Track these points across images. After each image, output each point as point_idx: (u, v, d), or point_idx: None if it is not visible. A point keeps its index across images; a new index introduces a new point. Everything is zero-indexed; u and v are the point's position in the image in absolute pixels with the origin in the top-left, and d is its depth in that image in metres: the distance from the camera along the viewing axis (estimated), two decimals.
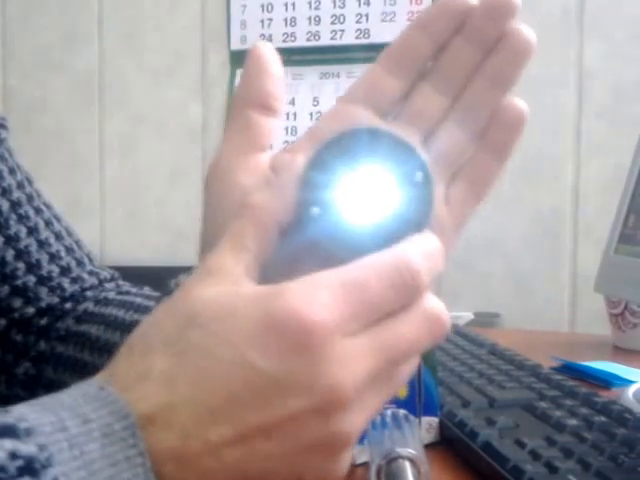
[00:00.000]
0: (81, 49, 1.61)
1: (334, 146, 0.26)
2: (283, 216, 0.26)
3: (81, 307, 0.45)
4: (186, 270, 0.38)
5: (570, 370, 0.65)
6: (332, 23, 1.46)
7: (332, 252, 0.26)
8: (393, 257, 0.25)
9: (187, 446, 0.23)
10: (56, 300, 0.45)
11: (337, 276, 0.24)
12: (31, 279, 0.44)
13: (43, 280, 0.45)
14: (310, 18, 1.46)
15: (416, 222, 0.27)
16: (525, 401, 0.50)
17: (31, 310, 0.45)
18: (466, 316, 1.05)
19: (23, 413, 0.23)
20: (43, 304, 0.45)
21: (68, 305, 0.46)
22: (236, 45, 1.51)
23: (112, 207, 1.61)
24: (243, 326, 0.23)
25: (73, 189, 1.61)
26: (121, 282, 0.49)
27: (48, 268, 0.45)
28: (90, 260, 0.49)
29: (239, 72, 1.53)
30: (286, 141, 1.66)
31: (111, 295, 0.46)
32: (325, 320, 0.23)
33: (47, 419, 0.22)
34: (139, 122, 1.58)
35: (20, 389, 0.45)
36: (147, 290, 0.47)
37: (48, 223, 0.47)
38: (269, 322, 0.23)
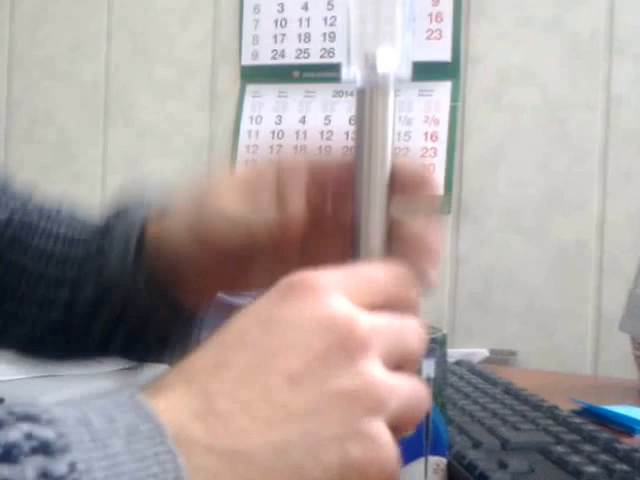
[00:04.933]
0: (88, 61, 1.63)
1: None
2: None
3: (8, 233, 0.47)
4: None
5: (591, 414, 0.64)
6: None
7: None
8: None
9: (214, 410, 0.24)
10: None
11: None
12: None
13: None
14: (325, 34, 1.49)
15: None
16: (541, 444, 0.49)
17: None
18: (480, 353, 1.04)
19: (48, 405, 0.24)
20: None
21: (0, 230, 0.48)
22: (247, 60, 1.54)
23: None
24: (258, 301, 0.28)
25: (75, 202, 1.61)
26: (38, 201, 0.51)
27: None
28: (10, 184, 0.52)
29: (249, 87, 1.55)
30: None
31: (34, 220, 0.48)
32: (329, 277, 0.27)
33: (72, 414, 0.23)
34: (144, 136, 1.59)
35: None
36: (65, 212, 0.50)
37: None
38: (277, 287, 0.27)
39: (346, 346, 0.26)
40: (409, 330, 0.29)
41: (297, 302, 0.27)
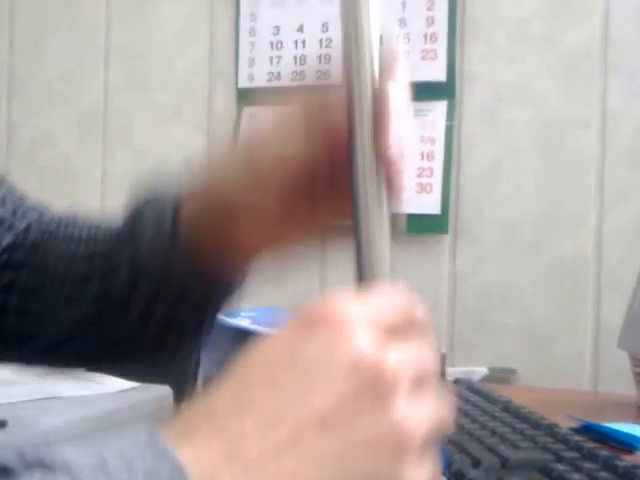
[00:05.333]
0: (87, 85, 1.65)
1: None
2: None
3: (30, 238, 0.48)
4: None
5: (590, 431, 0.64)
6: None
7: None
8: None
9: (243, 455, 0.23)
10: (12, 237, 0.48)
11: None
12: None
13: None
14: (320, 56, 1.50)
15: None
16: (540, 462, 0.49)
17: None
18: (480, 371, 1.04)
19: (64, 450, 0.22)
20: (4, 243, 0.47)
21: (20, 238, 0.48)
22: (244, 83, 1.55)
23: None
24: (281, 332, 0.27)
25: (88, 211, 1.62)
26: (54, 212, 0.52)
27: (1, 211, 0.49)
28: (26, 197, 0.53)
29: (246, 110, 1.57)
30: None
31: (53, 227, 0.49)
32: (351, 308, 0.27)
33: (87, 460, 0.22)
34: (143, 159, 1.60)
35: None
36: (82, 220, 0.50)
37: None
38: (300, 318, 0.27)
39: (375, 389, 0.26)
40: (427, 354, 0.29)
41: (323, 338, 0.26)
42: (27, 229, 0.49)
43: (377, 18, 0.32)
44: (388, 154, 0.32)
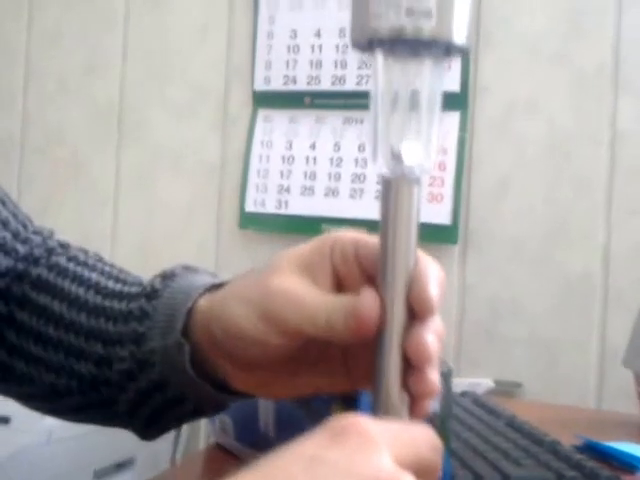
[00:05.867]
0: (102, 79, 1.66)
1: None
2: None
3: (35, 272, 0.46)
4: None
5: (592, 450, 0.64)
6: (359, 68, 1.51)
7: None
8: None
9: None
10: (11, 263, 0.47)
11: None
12: None
13: None
14: (336, 62, 1.51)
15: None
16: None
17: None
18: (485, 383, 1.04)
19: None
20: (1, 268, 0.46)
21: (21, 266, 0.47)
22: (260, 85, 1.56)
23: (123, 241, 1.63)
24: (305, 439, 0.28)
25: (85, 221, 1.63)
26: (62, 241, 0.50)
27: (1, 234, 0.47)
28: (30, 222, 0.51)
29: (261, 112, 1.57)
30: (304, 186, 1.69)
31: (62, 261, 0.47)
32: (378, 428, 0.28)
33: None
34: (157, 156, 1.61)
35: None
36: (93, 258, 0.48)
37: None
38: (326, 427, 0.28)
39: None
40: None
41: (345, 447, 0.27)
42: (29, 257, 0.47)
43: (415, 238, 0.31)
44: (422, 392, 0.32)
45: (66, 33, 1.68)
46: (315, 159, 1.48)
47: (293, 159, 1.49)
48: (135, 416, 0.42)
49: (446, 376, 0.48)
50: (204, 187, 1.57)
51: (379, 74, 0.28)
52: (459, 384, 0.88)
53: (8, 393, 0.47)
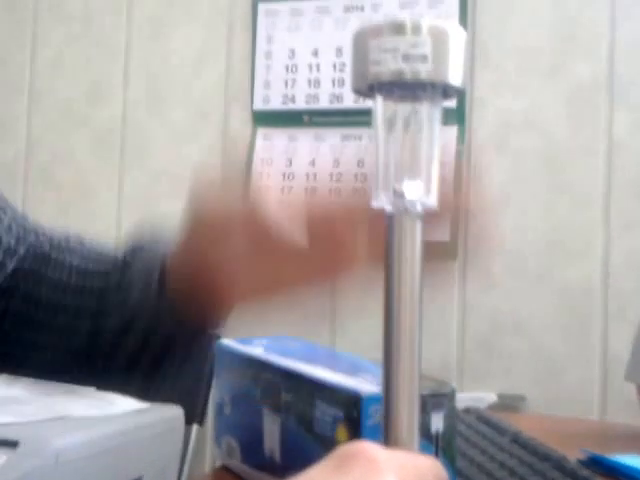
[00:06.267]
0: (105, 104, 1.68)
1: None
2: None
3: (25, 265, 0.49)
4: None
5: (598, 464, 0.65)
6: None
7: None
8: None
9: None
10: (15, 264, 0.49)
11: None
12: None
13: None
14: (334, 80, 1.53)
15: None
16: None
17: None
18: (489, 397, 1.04)
19: None
20: (9, 270, 0.48)
21: (19, 264, 0.49)
22: (259, 105, 1.58)
23: None
24: (314, 468, 0.28)
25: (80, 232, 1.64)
26: (47, 231, 0.53)
27: (7, 240, 0.49)
28: (26, 220, 0.53)
29: (260, 131, 1.59)
30: None
31: (46, 251, 0.49)
32: (386, 455, 0.28)
33: None
34: (159, 178, 1.62)
35: None
36: (75, 240, 0.51)
37: None
38: (335, 454, 0.28)
39: None
40: None
41: (353, 474, 0.27)
42: (25, 254, 0.50)
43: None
44: None
45: (69, 59, 1.70)
46: (315, 175, 1.50)
47: (293, 176, 1.51)
48: (133, 369, 0.45)
49: (449, 396, 0.49)
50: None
51: (379, 116, 0.29)
52: (462, 399, 0.88)
53: (8, 372, 0.50)
